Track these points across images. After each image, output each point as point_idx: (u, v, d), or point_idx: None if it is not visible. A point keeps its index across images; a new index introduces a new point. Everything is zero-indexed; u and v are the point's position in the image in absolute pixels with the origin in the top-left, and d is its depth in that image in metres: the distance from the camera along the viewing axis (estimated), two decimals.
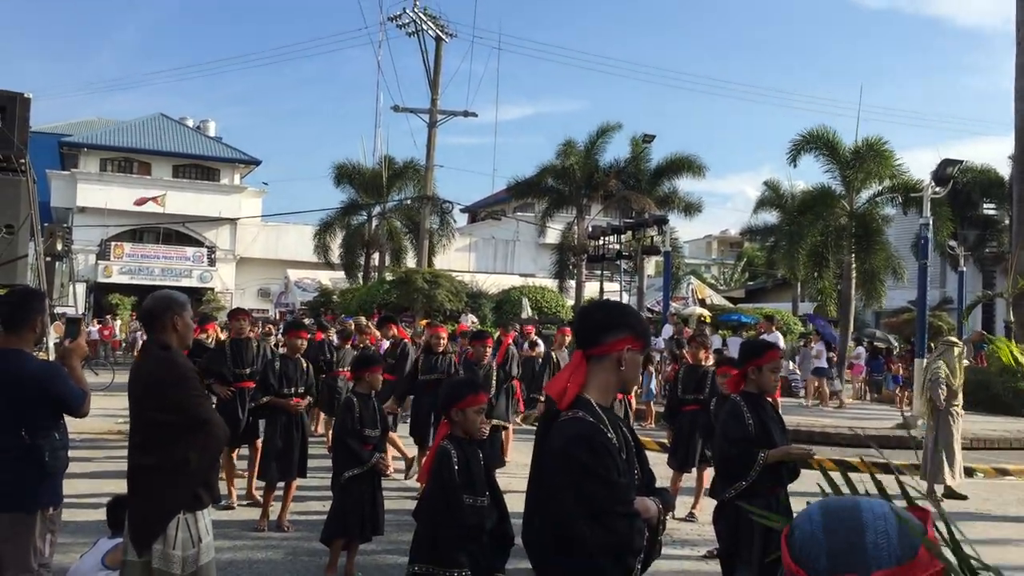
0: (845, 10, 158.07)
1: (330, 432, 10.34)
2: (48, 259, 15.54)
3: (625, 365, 2.78)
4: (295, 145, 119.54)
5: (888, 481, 2.44)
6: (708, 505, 6.54)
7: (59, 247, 19.19)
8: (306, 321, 17.29)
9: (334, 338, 13.99)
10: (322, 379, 11.58)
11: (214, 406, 5.80)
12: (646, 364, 15.77)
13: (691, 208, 33.24)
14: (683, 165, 31.96)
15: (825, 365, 20.32)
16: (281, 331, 15.89)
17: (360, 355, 8.14)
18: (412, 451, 10.28)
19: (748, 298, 42.90)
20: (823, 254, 22.72)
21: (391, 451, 10.65)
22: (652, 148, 31.87)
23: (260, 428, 8.85)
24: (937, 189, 16.97)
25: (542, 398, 10.92)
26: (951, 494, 10.28)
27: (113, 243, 44.29)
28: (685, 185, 33.38)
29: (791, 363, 22.28)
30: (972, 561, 1.62)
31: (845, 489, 2.11)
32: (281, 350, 10.31)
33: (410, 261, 34.43)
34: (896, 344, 26.16)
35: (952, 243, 26.34)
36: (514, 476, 9.40)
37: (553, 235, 35.53)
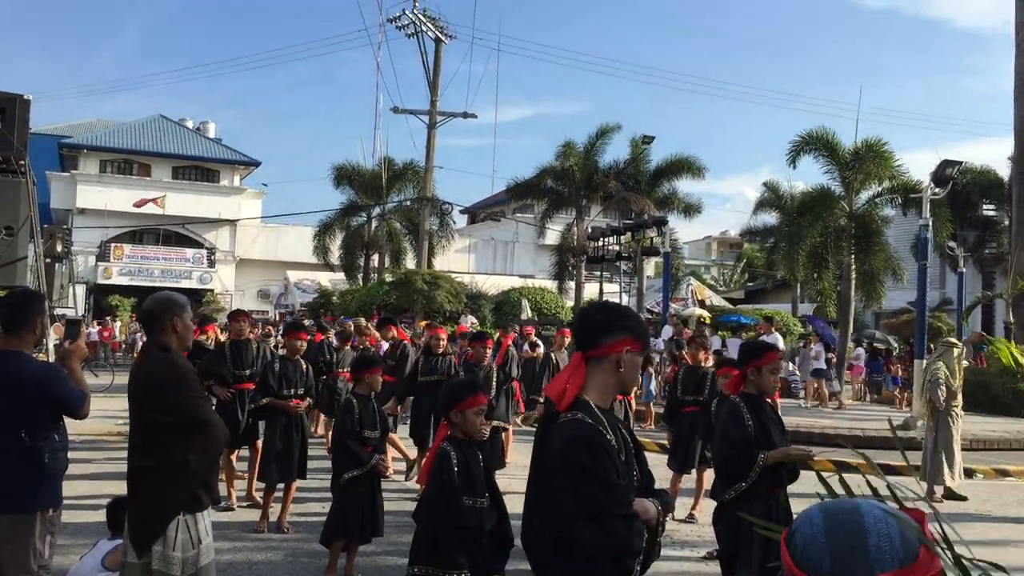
0: (845, 11, 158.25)
1: (330, 433, 10.34)
2: (48, 261, 15.54)
3: (624, 367, 2.78)
4: (295, 146, 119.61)
5: (888, 481, 2.45)
6: (708, 506, 6.54)
7: (59, 249, 19.19)
8: (306, 322, 17.29)
9: (333, 340, 13.99)
10: (322, 380, 11.59)
11: (214, 408, 5.81)
12: (646, 365, 15.77)
13: (690, 209, 33.26)
14: (682, 166, 31.98)
15: (824, 366, 20.32)
16: (281, 332, 15.88)
17: (360, 356, 8.14)
18: (413, 452, 10.29)
19: (748, 299, 42.90)
20: (822, 255, 22.72)
21: (392, 452, 10.67)
22: (651, 149, 31.95)
23: (260, 430, 8.85)
24: (936, 190, 16.98)
25: (541, 399, 10.92)
26: (951, 495, 10.29)
27: (113, 244, 44.30)
28: (684, 186, 33.42)
29: (791, 364, 22.29)
30: (967, 560, 1.62)
31: (845, 493, 2.11)
32: (280, 351, 10.32)
33: (409, 262, 34.43)
34: (896, 345, 26.17)
35: (952, 244, 26.35)
36: (514, 477, 9.40)
37: (552, 236, 35.54)
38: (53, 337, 11.13)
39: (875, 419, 17.13)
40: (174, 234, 45.78)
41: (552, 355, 12.94)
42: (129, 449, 4.12)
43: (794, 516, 1.53)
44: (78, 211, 43.63)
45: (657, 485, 2.99)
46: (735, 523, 4.82)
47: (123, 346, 34.04)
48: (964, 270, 27.15)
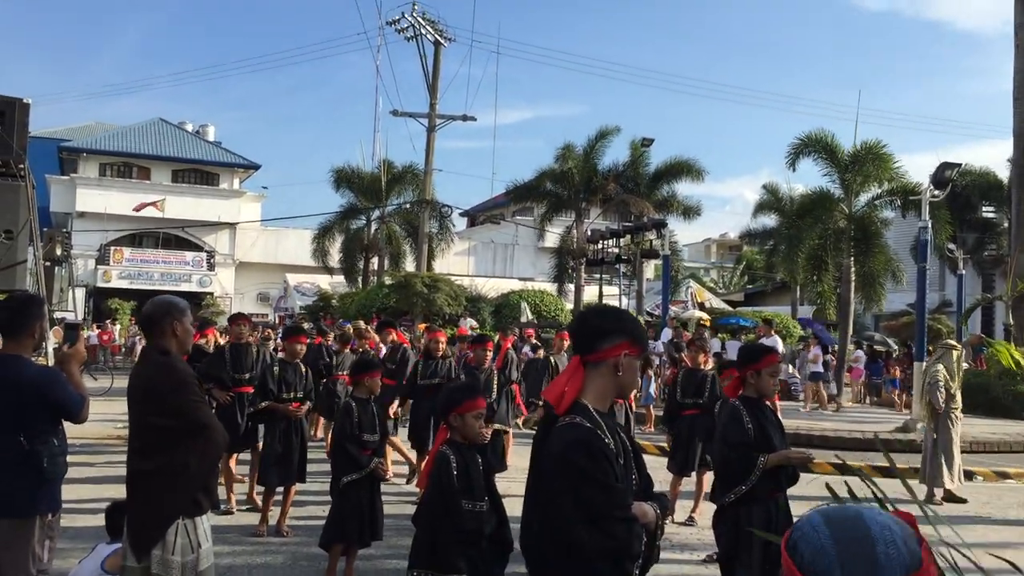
0: (845, 13, 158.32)
1: (329, 437, 10.34)
2: (47, 264, 15.53)
3: (622, 370, 2.79)
4: (294, 149, 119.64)
5: (886, 484, 2.45)
6: (707, 509, 6.53)
7: (58, 252, 19.17)
8: (305, 325, 17.29)
9: (333, 343, 13.99)
10: (322, 383, 11.59)
11: (213, 411, 5.80)
12: (645, 368, 15.77)
13: (690, 212, 33.29)
14: (682, 169, 32.02)
15: (821, 369, 20.32)
16: (280, 336, 15.88)
17: (359, 359, 8.14)
18: (414, 456, 10.29)
19: (747, 301, 42.92)
20: (822, 257, 22.71)
21: (393, 455, 10.67)
22: (651, 152, 31.96)
23: (260, 433, 8.84)
24: (936, 192, 16.98)
25: (541, 403, 10.92)
26: (951, 498, 10.28)
27: (112, 248, 44.32)
28: (684, 189, 33.52)
29: (790, 367, 22.28)
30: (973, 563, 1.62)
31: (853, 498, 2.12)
32: (280, 355, 10.32)
33: (409, 265, 34.45)
34: (895, 347, 26.18)
35: (951, 246, 26.36)
36: (513, 480, 9.39)
37: (552, 239, 35.57)
38: (52, 341, 11.12)
39: (875, 421, 17.13)
40: (174, 237, 45.80)
41: (551, 358, 12.94)
42: (128, 453, 4.12)
43: (794, 519, 1.52)
44: (78, 214, 43.66)
45: (657, 488, 3.00)
46: (735, 526, 4.83)
47: (123, 349, 34.03)
48: (964, 272, 27.17)
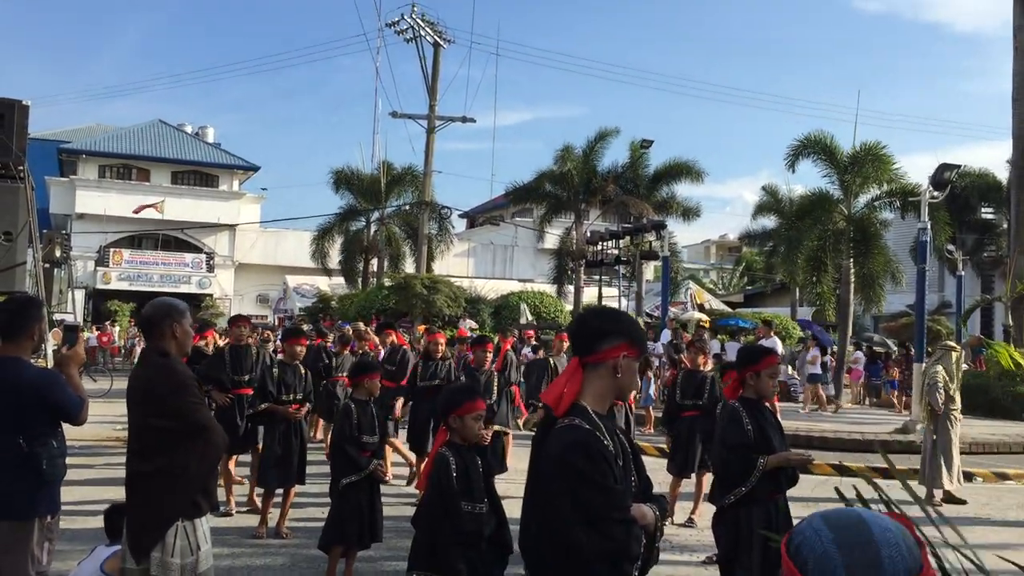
0: (844, 15, 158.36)
1: (329, 438, 10.34)
2: (47, 266, 15.53)
3: (621, 372, 2.78)
4: (294, 151, 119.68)
5: (885, 485, 2.45)
6: (707, 511, 6.53)
7: (58, 254, 19.16)
8: (304, 327, 17.29)
9: (331, 344, 13.99)
10: (321, 385, 11.58)
11: (212, 413, 5.79)
12: (645, 370, 15.77)
13: (689, 213, 33.29)
14: (681, 170, 32.03)
15: (819, 371, 20.31)
16: (279, 337, 15.88)
17: (358, 361, 8.15)
18: (413, 458, 10.28)
19: (747, 303, 42.93)
20: (821, 259, 22.71)
21: (393, 456, 10.66)
22: (650, 153, 31.97)
23: (260, 435, 8.84)
24: (935, 193, 16.98)
25: (541, 404, 10.90)
26: (950, 499, 10.28)
27: (112, 249, 44.33)
28: (683, 190, 33.50)
29: (790, 368, 22.27)
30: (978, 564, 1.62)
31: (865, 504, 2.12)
32: (279, 356, 10.31)
33: (409, 267, 34.47)
34: (894, 348, 26.20)
35: (950, 247, 26.37)
36: (513, 482, 9.39)
37: (551, 240, 35.59)
38: (51, 343, 11.12)
39: (874, 423, 17.13)
40: (173, 239, 45.82)
41: (550, 359, 12.92)
42: (128, 455, 4.12)
43: (794, 521, 1.52)
44: (77, 216, 43.67)
45: (656, 490, 2.99)
46: (735, 527, 4.83)
47: (122, 351, 34.02)
48: (963, 273, 27.16)
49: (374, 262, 36.19)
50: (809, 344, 21.23)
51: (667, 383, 13.81)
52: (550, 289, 33.71)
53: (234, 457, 9.30)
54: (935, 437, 10.42)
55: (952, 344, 11.28)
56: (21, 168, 9.66)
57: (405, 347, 12.36)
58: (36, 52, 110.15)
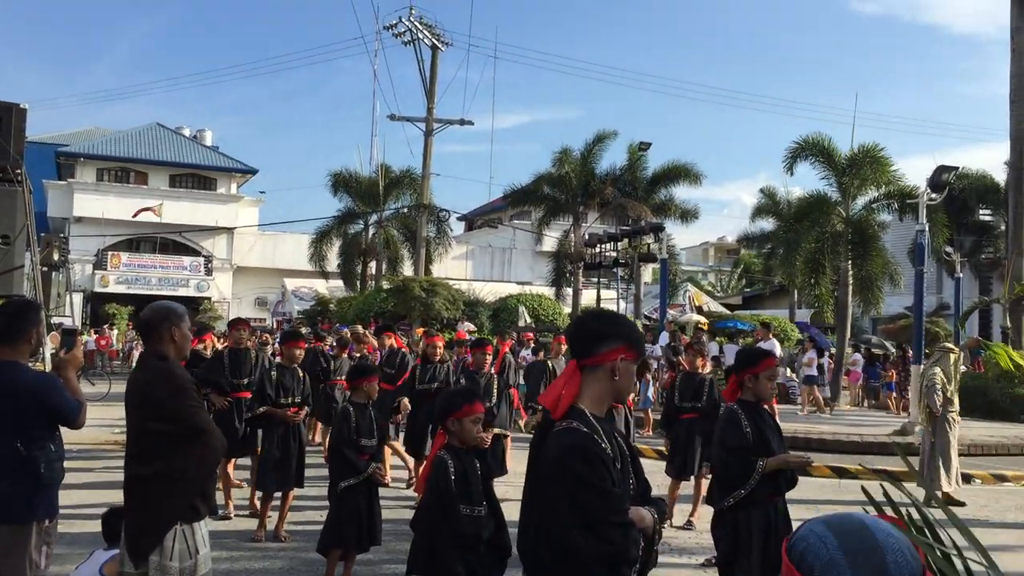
0: (842, 17, 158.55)
1: (327, 441, 10.33)
2: (44, 269, 15.51)
3: (619, 375, 2.78)
4: (292, 154, 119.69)
5: (889, 488, 2.44)
6: (706, 513, 6.53)
7: (56, 257, 19.14)
8: (303, 330, 17.29)
9: (329, 347, 13.97)
10: (320, 388, 11.57)
11: (211, 416, 5.79)
12: (643, 372, 15.77)
13: (687, 215, 33.29)
14: (679, 173, 32.03)
15: (815, 373, 20.32)
16: (278, 340, 15.86)
17: (357, 365, 8.14)
18: (412, 461, 10.27)
19: (745, 305, 42.94)
20: (820, 261, 22.72)
21: (393, 459, 10.65)
22: (648, 156, 31.97)
23: (259, 439, 8.83)
24: (933, 195, 17.00)
25: (540, 408, 10.89)
26: (949, 501, 10.28)
27: (110, 253, 44.31)
28: (682, 192, 33.50)
29: (788, 370, 22.28)
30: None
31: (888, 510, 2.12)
32: (277, 359, 10.31)
33: (407, 269, 34.45)
34: (893, 350, 26.21)
35: (948, 249, 26.38)
36: (511, 485, 9.38)
37: (550, 243, 35.60)
38: (49, 346, 11.11)
39: (872, 425, 17.13)
40: (171, 242, 45.81)
41: (549, 362, 12.94)
42: (126, 458, 4.11)
43: (793, 523, 1.52)
44: (75, 219, 43.65)
45: (655, 492, 2.99)
46: (733, 530, 4.82)
47: (120, 355, 34.01)
48: (961, 275, 27.18)
49: (372, 265, 36.19)
50: (806, 346, 21.24)
51: (665, 385, 13.82)
52: (548, 292, 33.71)
53: (233, 461, 9.29)
54: (933, 439, 10.42)
55: (950, 346, 11.29)
56: (19, 171, 9.65)
57: (404, 350, 12.36)
58: (35, 56, 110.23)
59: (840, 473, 12.26)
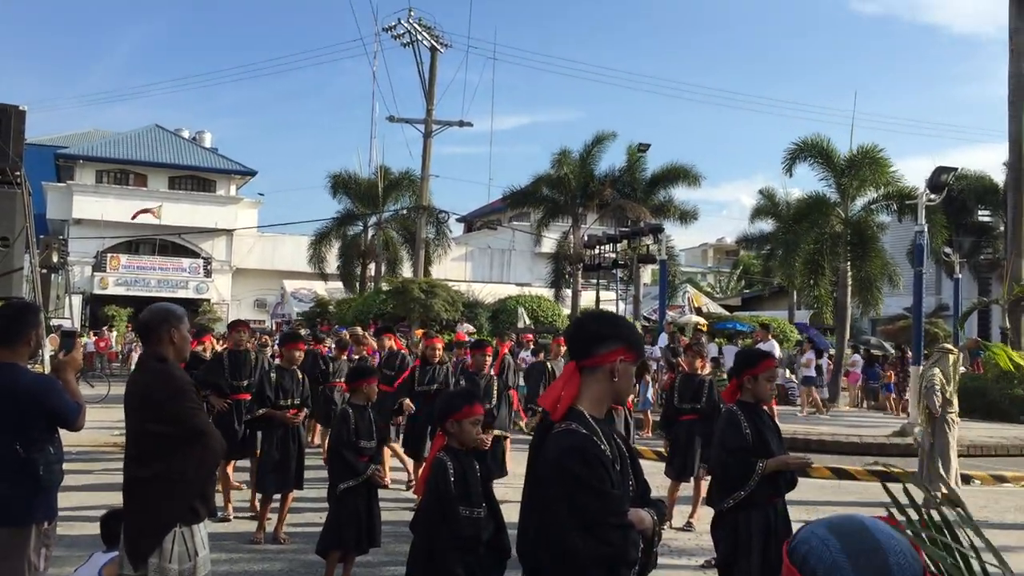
0: (842, 18, 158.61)
1: (326, 443, 10.33)
2: (44, 271, 15.52)
3: (618, 376, 2.78)
4: (291, 156, 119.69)
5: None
6: (706, 515, 6.53)
7: (55, 259, 19.15)
8: (302, 332, 17.29)
9: (328, 350, 13.95)
10: (319, 390, 11.56)
11: (211, 418, 5.78)
12: (642, 373, 15.77)
13: (687, 216, 33.31)
14: (678, 174, 32.04)
15: (813, 374, 20.33)
16: (277, 342, 15.86)
17: (356, 367, 8.14)
18: (411, 463, 10.26)
19: (744, 306, 42.92)
20: (819, 262, 22.73)
21: (392, 461, 10.64)
22: (647, 157, 31.98)
23: (259, 440, 8.82)
24: (932, 196, 17.00)
25: (540, 409, 10.88)
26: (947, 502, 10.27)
27: (109, 255, 44.28)
28: (680, 194, 33.50)
29: (787, 371, 22.28)
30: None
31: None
32: (276, 361, 10.30)
33: (406, 271, 34.46)
34: (892, 351, 26.22)
35: (947, 250, 26.40)
36: (510, 486, 9.38)
37: (549, 244, 35.59)
38: (49, 348, 11.11)
39: (872, 426, 17.13)
40: (170, 244, 45.79)
41: (548, 364, 12.94)
42: (125, 460, 4.11)
43: (793, 524, 1.52)
44: (74, 221, 43.63)
45: (655, 494, 2.99)
46: (733, 531, 4.82)
47: (119, 356, 33.99)
48: (960, 276, 27.20)
49: (372, 266, 36.19)
50: (804, 347, 21.25)
51: (665, 387, 13.82)
52: (548, 293, 33.71)
53: (232, 463, 9.28)
54: (932, 440, 10.42)
55: (949, 347, 11.28)
56: (18, 173, 9.66)
57: (403, 352, 12.36)
58: (34, 58, 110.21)
59: (840, 474, 12.27)
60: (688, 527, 8.79)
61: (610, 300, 30.06)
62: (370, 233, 36.05)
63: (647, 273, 36.49)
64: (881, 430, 15.99)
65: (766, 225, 36.95)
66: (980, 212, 35.55)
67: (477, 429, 4.43)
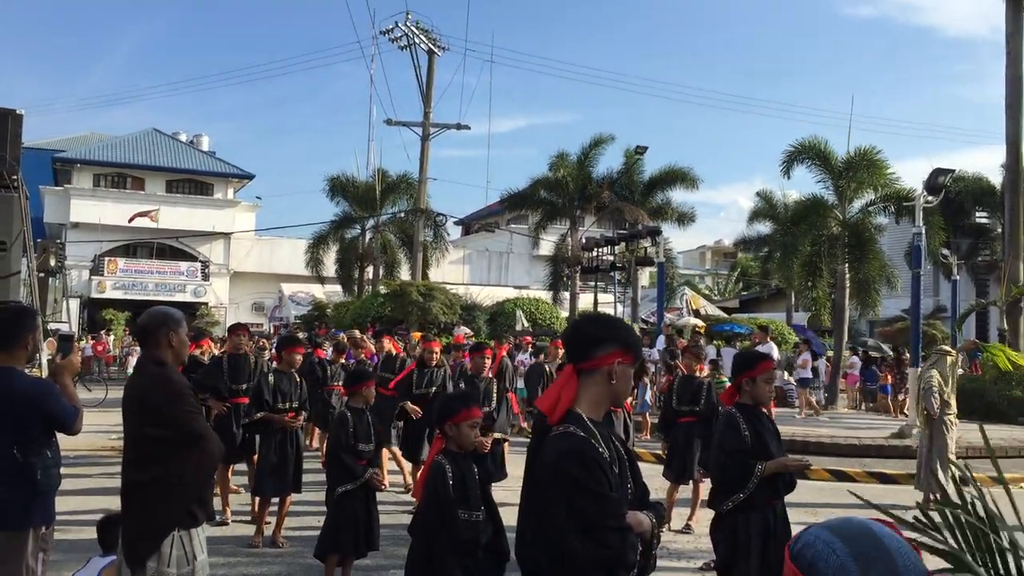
0: (837, 21, 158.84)
1: (324, 447, 10.32)
2: (41, 275, 15.52)
3: (616, 378, 2.78)
4: (289, 159, 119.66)
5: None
6: (704, 517, 6.52)
7: (52, 263, 19.16)
8: (300, 335, 17.28)
9: (327, 353, 13.93)
10: (317, 393, 11.55)
11: (209, 422, 5.79)
12: (641, 375, 15.75)
13: (684, 219, 33.31)
14: (676, 177, 32.05)
15: (809, 375, 20.33)
16: (275, 346, 15.85)
17: (354, 370, 8.13)
18: (409, 466, 10.25)
19: (742, 308, 42.94)
20: (817, 264, 22.75)
21: (390, 464, 10.62)
22: (645, 160, 31.98)
23: (257, 444, 8.81)
24: (929, 198, 17.02)
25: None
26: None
27: (107, 258, 44.20)
28: (678, 196, 33.50)
29: (785, 373, 22.29)
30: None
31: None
32: (274, 364, 10.29)
33: (404, 274, 34.44)
34: (890, 353, 26.23)
35: (945, 252, 26.40)
36: (509, 490, 9.37)
37: (547, 247, 35.57)
38: (46, 352, 11.10)
39: (870, 427, 17.13)
40: (168, 247, 45.70)
41: (546, 366, 12.93)
42: (123, 464, 4.10)
43: (792, 526, 1.52)
44: (72, 225, 43.57)
45: (653, 496, 2.98)
46: (732, 534, 4.82)
47: (117, 360, 33.94)
48: (958, 278, 27.21)
49: (369, 270, 36.18)
50: (801, 348, 21.25)
51: (663, 389, 13.81)
52: (546, 296, 33.69)
53: (230, 466, 9.27)
54: (931, 442, 10.42)
55: (947, 348, 11.29)
56: (15, 177, 9.66)
57: (401, 355, 12.35)
58: (31, 62, 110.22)
59: (838, 476, 12.26)
60: (687, 529, 8.79)
61: (608, 302, 30.06)
62: (368, 236, 36.04)
63: (645, 275, 36.46)
64: (880, 432, 15.99)
65: (764, 227, 36.95)
66: (978, 214, 35.58)
67: (475, 432, 4.42)
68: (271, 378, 8.26)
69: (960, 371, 14.55)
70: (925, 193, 17.02)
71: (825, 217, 22.83)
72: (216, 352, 11.87)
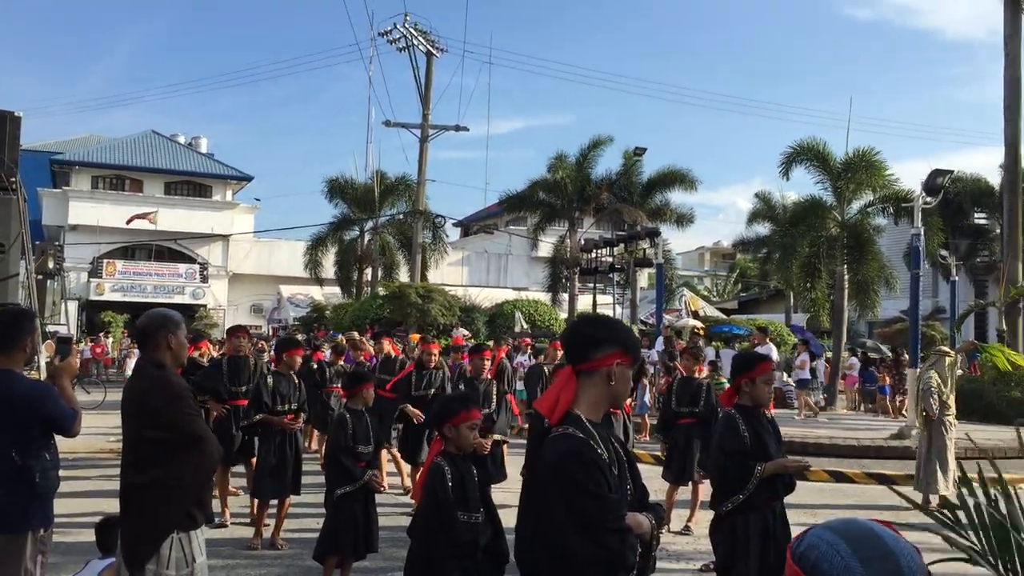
0: (836, 22, 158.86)
1: (323, 448, 10.31)
2: (40, 277, 15.51)
3: (615, 380, 2.78)
4: (287, 161, 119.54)
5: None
6: (704, 518, 6.52)
7: (51, 265, 19.16)
8: (299, 337, 17.27)
9: (326, 355, 13.92)
10: (316, 395, 11.54)
11: (209, 424, 5.77)
12: (640, 377, 15.76)
13: (683, 220, 33.32)
14: (675, 178, 32.06)
15: (808, 376, 20.34)
16: (273, 348, 15.85)
17: (353, 371, 8.13)
18: (407, 468, 10.24)
19: (741, 309, 42.96)
20: (815, 265, 22.76)
21: (389, 466, 10.62)
22: (644, 161, 32.00)
23: (255, 446, 8.81)
24: (928, 199, 17.04)
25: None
26: (945, 504, 10.27)
27: (105, 260, 44.20)
28: (677, 197, 33.50)
29: (784, 375, 22.29)
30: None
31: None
32: (272, 366, 10.29)
33: (403, 276, 34.44)
34: (889, 354, 26.24)
35: (944, 253, 26.43)
36: (508, 491, 9.36)
37: (546, 248, 35.58)
38: (44, 355, 11.09)
39: (869, 428, 17.14)
40: (166, 250, 45.72)
41: (545, 368, 12.92)
42: (122, 466, 4.10)
43: (791, 527, 1.52)
44: (70, 227, 43.57)
45: (653, 497, 2.98)
46: (732, 535, 4.82)
47: (115, 363, 33.92)
48: (956, 278, 27.25)
49: (368, 271, 36.18)
50: (799, 349, 21.26)
51: (662, 390, 13.81)
52: (544, 297, 33.69)
53: (230, 468, 9.26)
54: (930, 443, 10.43)
55: (946, 349, 11.29)
56: (13, 180, 9.65)
57: (400, 357, 12.35)
58: (31, 62, 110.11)
59: (838, 477, 12.27)
60: (686, 531, 8.78)
61: (607, 304, 30.06)
62: (367, 238, 36.04)
63: (644, 277, 36.48)
64: (879, 433, 15.99)
65: (763, 228, 36.98)
66: (976, 215, 35.63)
67: (474, 433, 4.42)
68: (270, 380, 8.26)
69: (959, 372, 14.57)
70: (924, 194, 17.03)
71: (824, 218, 22.84)
72: (215, 354, 11.87)
